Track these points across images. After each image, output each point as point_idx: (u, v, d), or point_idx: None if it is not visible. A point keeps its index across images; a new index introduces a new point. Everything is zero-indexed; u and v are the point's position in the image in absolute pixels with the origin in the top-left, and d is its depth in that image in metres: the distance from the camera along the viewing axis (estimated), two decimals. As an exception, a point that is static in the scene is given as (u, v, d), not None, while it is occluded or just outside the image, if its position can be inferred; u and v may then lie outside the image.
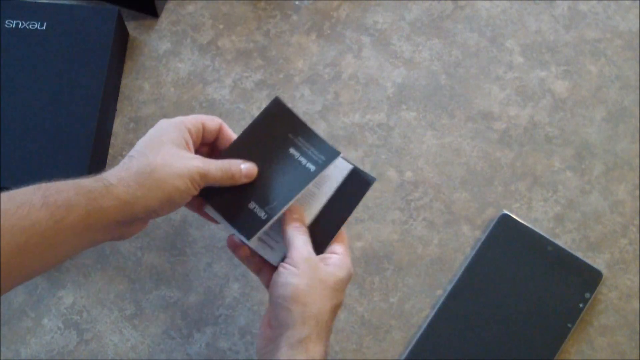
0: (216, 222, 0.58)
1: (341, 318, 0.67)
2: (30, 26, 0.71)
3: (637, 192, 0.71)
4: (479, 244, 0.68)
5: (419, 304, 0.67)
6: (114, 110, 0.74)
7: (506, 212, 0.69)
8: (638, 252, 0.69)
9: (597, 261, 0.69)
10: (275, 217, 0.55)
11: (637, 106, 0.75)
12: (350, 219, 0.70)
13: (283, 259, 0.55)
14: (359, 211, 0.70)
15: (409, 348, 0.65)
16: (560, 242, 0.69)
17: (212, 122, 0.56)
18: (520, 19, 0.78)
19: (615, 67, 0.76)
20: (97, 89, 0.69)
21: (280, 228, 0.56)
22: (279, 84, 0.75)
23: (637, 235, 0.70)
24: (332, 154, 0.56)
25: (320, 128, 0.73)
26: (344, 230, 0.57)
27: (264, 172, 0.56)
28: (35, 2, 0.73)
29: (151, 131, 0.54)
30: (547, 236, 0.68)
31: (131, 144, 0.54)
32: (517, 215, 0.69)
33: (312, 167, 0.56)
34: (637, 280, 0.68)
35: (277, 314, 0.51)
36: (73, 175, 0.50)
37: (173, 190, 0.50)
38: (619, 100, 0.75)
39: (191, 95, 0.75)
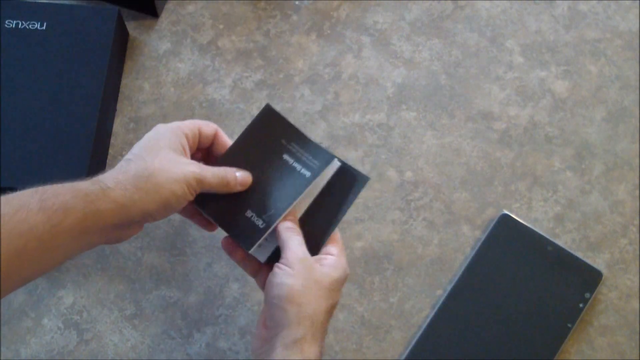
0: (211, 229, 0.58)
1: (341, 318, 0.67)
2: (30, 26, 0.71)
3: (637, 192, 0.71)
4: (479, 244, 0.68)
5: (419, 304, 0.67)
6: (114, 110, 0.74)
7: (506, 212, 0.69)
8: (638, 252, 0.69)
9: (597, 261, 0.69)
10: (274, 226, 0.55)
11: (637, 106, 0.75)
12: (350, 219, 0.70)
13: (272, 257, 0.55)
14: (359, 211, 0.70)
15: (409, 348, 0.65)
16: (560, 242, 0.69)
17: (208, 127, 0.56)
18: (520, 19, 0.78)
19: (615, 67, 0.76)
20: (97, 89, 0.69)
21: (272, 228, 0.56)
22: (279, 84, 0.75)
23: (637, 235, 0.70)
24: (326, 159, 0.56)
25: (320, 128, 0.73)
26: (337, 231, 0.57)
27: (259, 180, 0.56)
28: (35, 2, 0.73)
29: (148, 135, 0.54)
30: (547, 236, 0.68)
31: (131, 144, 0.54)
32: (517, 215, 0.69)
33: (307, 173, 0.56)
34: (637, 280, 0.68)
35: (272, 314, 0.51)
36: (73, 175, 0.50)
37: (170, 195, 0.50)
38: (619, 100, 0.75)
39: (191, 95, 0.75)
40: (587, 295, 0.66)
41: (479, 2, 0.79)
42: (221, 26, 0.78)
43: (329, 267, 0.53)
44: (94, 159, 0.68)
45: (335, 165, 0.57)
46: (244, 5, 0.79)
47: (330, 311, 0.53)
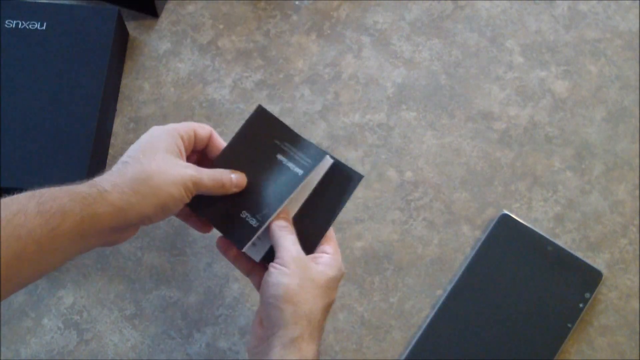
0: (205, 231, 0.58)
1: (341, 318, 0.67)
2: (30, 26, 0.71)
3: (637, 192, 0.71)
4: (479, 244, 0.68)
5: (419, 304, 0.67)
6: (114, 110, 0.74)
7: (506, 212, 0.69)
8: (638, 252, 0.69)
9: (597, 261, 0.69)
10: (266, 224, 0.55)
11: (637, 106, 0.75)
12: (350, 218, 0.70)
13: (266, 256, 0.55)
14: (359, 211, 0.70)
15: (409, 348, 0.65)
16: (560, 242, 0.69)
17: (203, 129, 0.56)
18: (520, 19, 0.78)
19: (615, 67, 0.76)
20: (97, 89, 0.69)
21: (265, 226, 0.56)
22: (279, 84, 0.75)
23: (637, 235, 0.70)
24: (318, 156, 0.56)
25: (320, 128, 0.73)
26: (332, 229, 0.57)
27: (254, 181, 0.56)
28: (35, 2, 0.73)
29: (143, 137, 0.54)
30: (547, 236, 0.68)
31: (131, 144, 0.55)
32: (517, 215, 0.69)
33: (300, 172, 0.56)
34: (637, 280, 0.68)
35: (268, 313, 0.51)
36: (73, 175, 0.50)
37: (167, 198, 0.50)
38: (619, 100, 0.75)
39: (191, 95, 0.75)
40: (587, 295, 0.66)
41: (479, 2, 0.79)
42: (221, 26, 0.78)
43: (325, 265, 0.53)
44: (94, 159, 0.68)
45: (327, 162, 0.57)
46: (244, 5, 0.79)
47: (326, 310, 0.53)
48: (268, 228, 0.55)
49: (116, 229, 0.49)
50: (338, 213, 0.56)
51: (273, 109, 0.74)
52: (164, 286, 0.68)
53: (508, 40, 0.77)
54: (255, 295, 0.67)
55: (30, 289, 0.67)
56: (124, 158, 0.52)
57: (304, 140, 0.57)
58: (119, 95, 0.75)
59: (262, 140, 0.57)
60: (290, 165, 0.56)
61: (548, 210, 0.71)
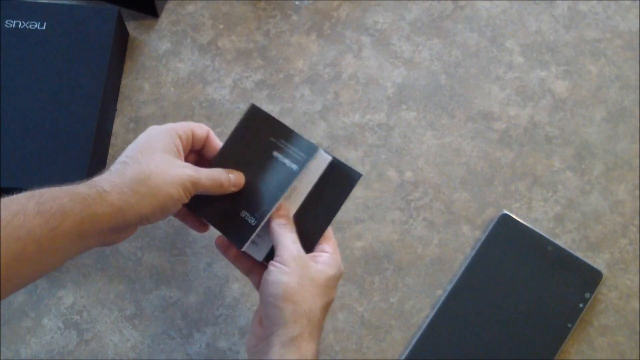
0: (202, 230, 0.58)
1: (341, 318, 0.67)
2: (30, 26, 0.71)
3: (637, 192, 0.71)
4: (479, 244, 0.68)
5: (419, 304, 0.67)
6: (114, 110, 0.74)
7: (506, 212, 0.69)
8: (638, 252, 0.69)
9: (597, 261, 0.69)
10: (264, 221, 0.55)
11: (637, 106, 0.75)
12: (350, 218, 0.70)
13: (270, 255, 0.55)
14: (359, 211, 0.70)
15: (409, 348, 0.65)
16: (560, 242, 0.69)
17: (201, 129, 0.57)
18: (520, 19, 0.78)
19: (615, 67, 0.76)
20: (97, 89, 0.69)
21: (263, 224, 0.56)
22: (279, 84, 0.75)
23: (637, 235, 0.70)
24: (311, 150, 0.56)
25: (320, 128, 0.73)
26: (330, 228, 0.57)
27: (252, 179, 0.56)
28: (35, 2, 0.73)
29: (141, 137, 0.54)
30: (547, 236, 0.68)
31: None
32: (517, 215, 0.69)
33: (294, 167, 0.56)
34: (637, 280, 0.68)
35: (268, 312, 0.51)
36: (73, 175, 0.50)
37: (167, 198, 0.50)
38: (619, 100, 0.75)
39: (191, 95, 0.75)
40: (587, 295, 0.66)
41: (479, 2, 0.79)
42: (221, 26, 0.78)
43: (324, 264, 0.53)
44: (94, 159, 0.68)
45: (325, 159, 0.57)
46: (244, 5, 0.79)
47: (325, 308, 0.53)
48: (268, 226, 0.55)
49: (115, 229, 0.49)
50: (337, 212, 0.56)
51: (273, 109, 0.74)
52: (164, 286, 0.68)
53: (508, 40, 0.77)
54: (255, 295, 0.67)
55: (30, 289, 0.67)
56: (122, 158, 0.52)
57: (296, 134, 0.57)
58: (119, 95, 0.75)
59: (258, 139, 0.57)
60: (286, 161, 0.56)
61: (548, 210, 0.71)
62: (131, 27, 0.77)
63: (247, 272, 0.58)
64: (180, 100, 0.74)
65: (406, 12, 0.79)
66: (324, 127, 0.73)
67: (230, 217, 0.56)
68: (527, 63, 0.76)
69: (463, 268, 0.67)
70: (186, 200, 0.52)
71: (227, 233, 0.56)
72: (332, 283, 0.53)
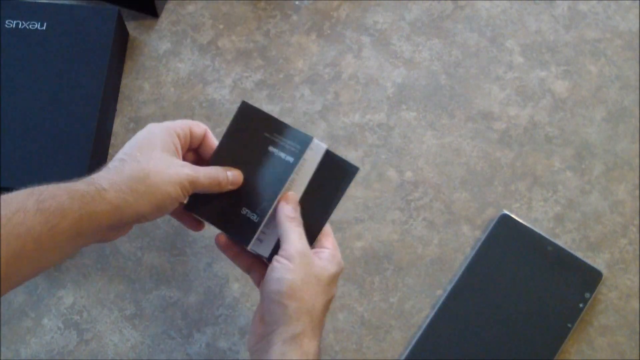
0: (198, 229, 0.58)
1: (341, 318, 0.67)
2: (30, 26, 0.71)
3: (637, 192, 0.71)
4: (479, 244, 0.68)
5: (419, 304, 0.67)
6: (114, 110, 0.74)
7: (506, 212, 0.69)
8: (638, 252, 0.69)
9: (597, 261, 0.69)
10: (267, 217, 0.55)
11: (637, 106, 0.75)
12: (350, 218, 0.70)
13: (273, 251, 0.55)
14: (359, 211, 0.70)
15: (409, 348, 0.65)
16: (560, 242, 0.69)
17: (199, 127, 0.57)
18: (520, 19, 0.78)
19: (615, 67, 0.76)
20: (97, 89, 0.69)
21: (266, 220, 0.56)
22: (279, 84, 0.75)
23: (637, 235, 0.70)
24: (305, 140, 0.56)
25: (320, 128, 0.73)
26: (328, 225, 0.56)
27: (250, 176, 0.56)
28: (35, 2, 0.73)
29: (140, 134, 0.54)
30: (547, 236, 0.68)
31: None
32: (517, 215, 0.69)
33: (290, 159, 0.56)
34: (637, 280, 0.68)
35: (271, 309, 0.51)
36: (73, 175, 0.50)
37: (164, 197, 0.50)
38: (619, 100, 0.75)
39: (191, 95, 0.75)
40: (587, 295, 0.66)
41: (479, 2, 0.79)
42: (221, 26, 0.78)
43: (326, 261, 0.53)
44: (94, 159, 0.68)
45: (321, 148, 0.56)
46: (244, 5, 0.79)
47: (326, 306, 0.53)
48: (273, 219, 0.55)
49: (113, 226, 0.49)
50: (335, 206, 0.56)
51: (273, 109, 0.74)
52: (164, 286, 0.68)
53: (508, 40, 0.77)
54: (255, 295, 0.67)
55: (30, 289, 0.67)
56: (120, 155, 0.52)
57: (289, 127, 0.57)
58: (119, 95, 0.75)
59: (252, 135, 0.57)
60: (282, 154, 0.56)
61: (548, 210, 0.71)
62: (131, 27, 0.77)
63: (248, 270, 0.58)
64: (180, 100, 0.74)
65: (406, 12, 0.79)
66: (324, 127, 0.73)
67: (231, 215, 0.56)
68: (527, 63, 0.76)
69: (463, 268, 0.67)
70: (184, 199, 0.52)
71: (230, 232, 0.56)
72: (334, 280, 0.53)
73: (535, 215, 0.70)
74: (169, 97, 0.75)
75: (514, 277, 0.67)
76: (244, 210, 0.56)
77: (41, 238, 0.45)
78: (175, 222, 0.69)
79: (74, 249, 0.49)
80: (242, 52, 0.77)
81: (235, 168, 0.56)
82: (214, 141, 0.58)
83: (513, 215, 0.69)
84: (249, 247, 0.55)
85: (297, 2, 0.79)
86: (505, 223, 0.69)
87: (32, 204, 0.45)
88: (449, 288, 0.67)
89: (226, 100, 0.74)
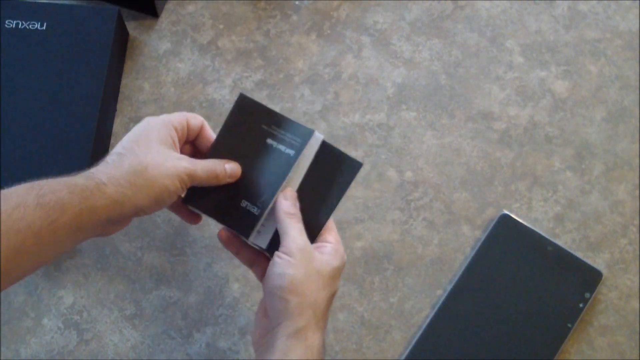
0: (195, 222, 0.58)
1: (341, 318, 0.67)
2: (30, 26, 0.71)
3: (637, 192, 0.71)
4: (479, 244, 0.68)
5: (419, 304, 0.67)
6: (114, 110, 0.74)
7: (506, 212, 0.69)
8: (638, 252, 0.69)
9: (597, 261, 0.69)
10: (268, 210, 0.55)
11: (637, 106, 0.75)
12: (350, 218, 0.70)
13: (273, 242, 0.55)
14: (359, 211, 0.70)
15: (409, 348, 0.65)
16: (560, 242, 0.69)
17: (195, 119, 0.57)
18: (520, 19, 0.78)
19: (615, 67, 0.76)
20: (97, 89, 0.69)
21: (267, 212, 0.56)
22: (279, 84, 0.75)
23: (637, 235, 0.70)
24: (306, 134, 0.56)
25: (320, 128, 0.73)
26: (332, 219, 0.56)
27: (249, 169, 0.56)
28: (35, 2, 0.73)
29: (137, 128, 0.54)
30: (547, 236, 0.68)
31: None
32: (517, 215, 0.69)
33: (291, 152, 0.56)
34: (637, 280, 0.68)
35: (274, 304, 0.51)
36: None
37: (163, 190, 0.50)
38: (619, 100, 0.75)
39: (191, 95, 0.75)
40: (587, 295, 0.66)
41: (479, 2, 0.79)
42: (221, 26, 0.78)
43: (329, 255, 0.53)
44: (94, 159, 0.67)
45: (317, 139, 0.56)
46: (244, 5, 0.79)
47: (330, 300, 0.53)
48: (273, 213, 0.55)
49: (112, 220, 0.49)
50: (338, 202, 0.56)
51: (273, 108, 0.74)
52: (164, 286, 0.68)
53: (508, 40, 0.77)
54: (255, 295, 0.67)
55: (30, 289, 0.67)
56: (118, 149, 0.52)
57: (290, 120, 0.57)
58: (119, 95, 0.75)
59: (250, 128, 0.57)
60: (281, 147, 0.56)
61: (548, 210, 0.71)
62: (131, 27, 0.77)
63: (250, 264, 0.58)
64: (180, 100, 0.74)
65: (406, 12, 0.79)
66: (324, 127, 0.73)
67: (229, 208, 0.56)
68: (527, 63, 0.76)
69: (463, 268, 0.67)
70: (182, 192, 0.53)
71: (229, 224, 0.56)
72: (337, 274, 0.53)
73: (535, 215, 0.70)
74: (169, 97, 0.75)
75: (514, 277, 0.67)
76: (244, 203, 0.56)
77: (41, 233, 0.45)
78: (175, 222, 0.69)
79: (73, 244, 0.49)
80: (242, 52, 0.77)
81: (234, 160, 0.56)
82: (211, 133, 0.58)
83: (513, 215, 0.69)
84: (250, 240, 0.55)
85: (297, 2, 0.79)
86: (505, 223, 0.69)
87: (32, 199, 0.45)
88: (449, 288, 0.67)
89: (226, 100, 0.74)
